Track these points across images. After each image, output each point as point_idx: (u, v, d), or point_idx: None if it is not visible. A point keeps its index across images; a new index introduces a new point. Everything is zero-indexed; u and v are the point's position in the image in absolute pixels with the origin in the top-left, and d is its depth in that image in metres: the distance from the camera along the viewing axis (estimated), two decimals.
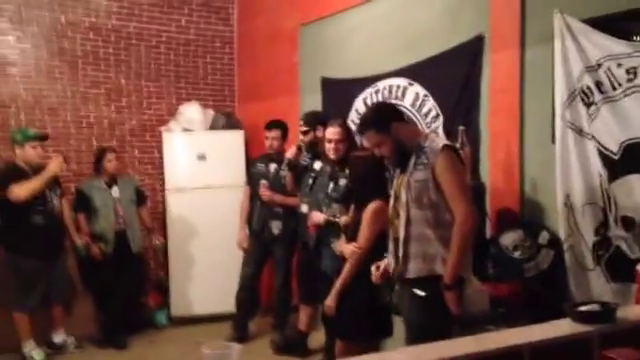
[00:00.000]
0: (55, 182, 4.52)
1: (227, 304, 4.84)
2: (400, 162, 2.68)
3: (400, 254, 2.63)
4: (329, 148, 3.67)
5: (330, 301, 3.13)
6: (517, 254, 3.08)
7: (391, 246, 2.75)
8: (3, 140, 4.87)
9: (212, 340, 4.39)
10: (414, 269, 2.60)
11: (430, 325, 2.56)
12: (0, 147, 4.95)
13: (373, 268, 2.83)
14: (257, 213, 4.63)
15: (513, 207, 3.36)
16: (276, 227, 4.56)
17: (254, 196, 4.66)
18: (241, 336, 4.59)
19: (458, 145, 3.16)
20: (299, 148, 4.23)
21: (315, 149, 4.10)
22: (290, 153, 4.28)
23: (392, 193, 2.76)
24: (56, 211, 4.50)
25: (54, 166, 4.36)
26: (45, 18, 5.27)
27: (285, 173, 4.42)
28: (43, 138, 4.58)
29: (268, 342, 4.51)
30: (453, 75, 3.75)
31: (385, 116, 2.69)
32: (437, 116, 3.83)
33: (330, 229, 3.48)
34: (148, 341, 4.89)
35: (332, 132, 3.68)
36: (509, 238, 3.13)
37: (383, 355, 2.18)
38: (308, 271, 4.12)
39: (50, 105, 5.31)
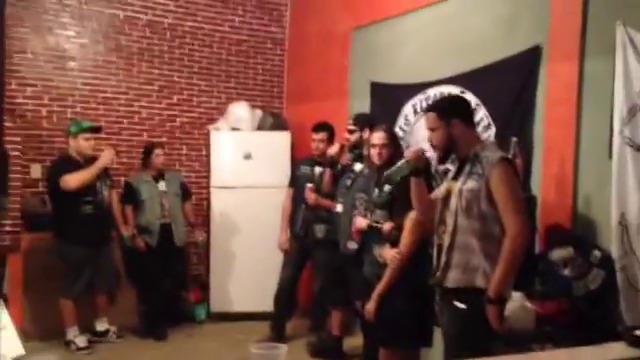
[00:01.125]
0: (105, 174, 4.64)
1: (265, 304, 4.86)
2: (443, 157, 2.65)
3: (442, 262, 2.59)
4: (373, 153, 3.64)
5: (370, 306, 3.11)
6: (566, 272, 2.99)
7: (433, 253, 2.71)
8: (60, 131, 5.00)
9: (250, 337, 4.47)
10: (453, 279, 2.55)
11: (469, 339, 2.51)
12: (57, 138, 5.10)
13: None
14: (301, 216, 4.62)
15: (564, 223, 3.26)
16: (320, 231, 4.54)
17: (297, 199, 4.66)
18: (278, 337, 4.60)
19: (510, 156, 3.09)
20: (342, 147, 4.21)
21: (359, 151, 4.08)
22: (332, 150, 4.26)
23: (439, 200, 2.71)
24: (105, 202, 4.62)
25: (105, 158, 4.48)
26: (104, 14, 5.42)
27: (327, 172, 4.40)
28: (96, 130, 4.71)
29: (304, 344, 4.50)
30: (507, 85, 3.68)
31: (453, 107, 2.66)
32: (489, 126, 3.76)
33: (373, 235, 3.44)
34: (187, 334, 4.96)
35: (377, 137, 3.64)
36: (559, 255, 3.04)
37: None
38: (340, 275, 4.10)
39: (105, 99, 5.45)
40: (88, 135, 4.55)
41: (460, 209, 2.52)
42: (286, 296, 4.76)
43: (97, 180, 4.50)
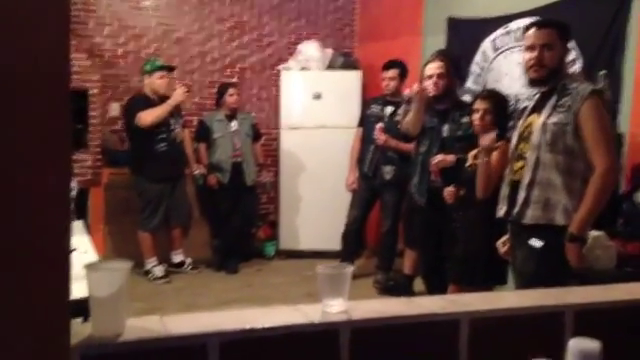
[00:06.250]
0: (178, 112, 4.74)
1: (332, 243, 4.90)
2: (546, 79, 2.45)
3: (520, 198, 2.49)
4: (429, 84, 3.49)
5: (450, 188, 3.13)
6: None
7: (506, 190, 2.61)
8: (136, 71, 5.08)
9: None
10: (532, 216, 2.45)
11: (544, 277, 2.41)
12: (133, 78, 5.21)
13: (499, 244, 2.72)
14: (369, 157, 4.58)
15: None
16: (388, 172, 4.50)
17: (367, 139, 4.61)
18: None
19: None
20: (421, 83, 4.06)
21: None
22: (410, 91, 4.12)
23: (515, 134, 2.60)
24: (178, 139, 4.73)
25: (178, 95, 4.56)
26: None
27: (400, 115, 4.28)
28: (170, 69, 4.78)
29: (372, 282, 4.53)
30: (596, 17, 3.44)
31: (569, 31, 2.51)
32: (575, 60, 3.54)
33: (455, 171, 3.34)
34: (256, 269, 5.12)
35: (432, 67, 3.50)
36: None
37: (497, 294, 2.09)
38: (413, 216, 4.05)
39: (178, 39, 5.51)
40: (162, 73, 4.63)
41: (544, 143, 2.40)
42: (353, 235, 4.78)
43: (170, 118, 4.60)
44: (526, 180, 2.46)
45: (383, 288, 4.40)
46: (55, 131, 0.87)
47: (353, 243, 4.80)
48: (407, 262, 4.32)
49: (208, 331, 1.04)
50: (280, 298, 4.29)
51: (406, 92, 4.08)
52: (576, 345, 0.98)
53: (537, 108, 2.50)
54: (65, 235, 0.91)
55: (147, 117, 4.44)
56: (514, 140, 2.61)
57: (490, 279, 3.07)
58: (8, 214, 0.82)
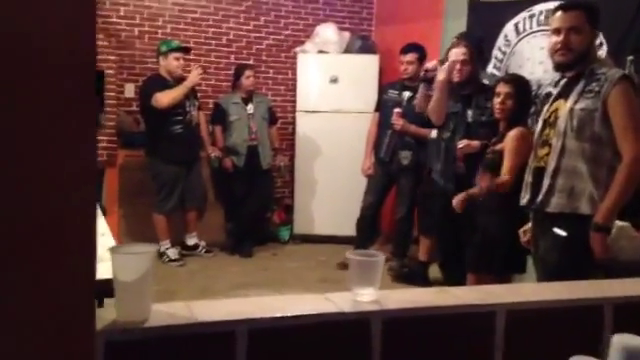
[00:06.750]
0: (193, 94, 4.70)
1: (347, 228, 4.87)
2: (572, 64, 2.38)
3: (544, 186, 2.43)
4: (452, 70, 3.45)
5: (460, 196, 3.08)
6: None
7: (529, 177, 2.55)
8: (152, 52, 5.03)
9: (331, 259, 4.53)
10: (557, 204, 2.39)
11: (568, 268, 2.38)
12: (149, 59, 5.15)
13: (521, 232, 2.67)
14: (386, 142, 4.53)
15: None
16: (405, 157, 4.45)
17: (384, 124, 4.55)
18: None
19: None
20: (441, 62, 3.99)
21: None
22: (431, 64, 4.00)
23: (541, 119, 2.54)
24: (194, 122, 4.71)
25: (193, 77, 4.53)
26: None
27: (418, 98, 4.20)
28: (186, 50, 4.74)
29: (386, 269, 4.49)
30: (623, 1, 3.33)
31: (598, 16, 2.41)
32: (601, 44, 3.44)
33: (479, 158, 3.29)
34: (271, 253, 5.10)
35: (457, 52, 3.46)
36: None
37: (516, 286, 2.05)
38: (430, 202, 4.00)
39: (194, 20, 5.44)
40: (178, 54, 4.59)
41: (570, 130, 2.34)
42: (368, 221, 4.74)
43: (185, 100, 4.57)
44: (551, 167, 2.40)
45: (397, 275, 4.36)
46: (83, 110, 0.84)
47: (368, 229, 4.76)
48: (422, 249, 4.28)
49: (237, 318, 1.01)
50: (295, 283, 4.27)
51: (428, 64, 3.98)
52: (620, 341, 0.94)
53: (563, 94, 2.44)
54: (92, 216, 0.88)
55: (163, 98, 4.41)
56: (539, 126, 2.55)
57: (509, 268, 3.02)
58: (35, 194, 0.79)
